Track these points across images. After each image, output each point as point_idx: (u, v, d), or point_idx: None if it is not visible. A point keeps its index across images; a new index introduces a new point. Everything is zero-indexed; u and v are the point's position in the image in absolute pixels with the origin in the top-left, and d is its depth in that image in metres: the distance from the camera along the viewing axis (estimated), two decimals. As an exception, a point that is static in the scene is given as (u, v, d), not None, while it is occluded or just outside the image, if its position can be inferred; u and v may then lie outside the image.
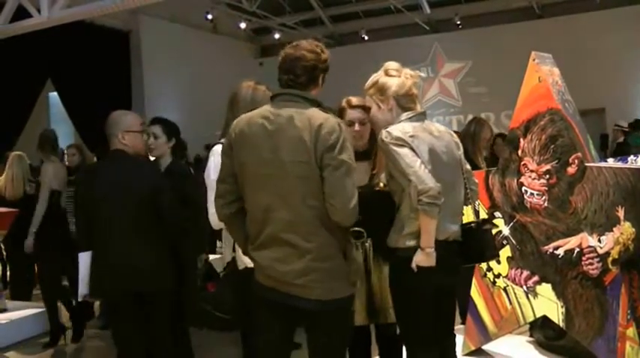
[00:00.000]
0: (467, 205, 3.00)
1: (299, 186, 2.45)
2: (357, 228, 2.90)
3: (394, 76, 2.86)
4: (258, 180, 2.50)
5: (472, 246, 2.86)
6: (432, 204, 2.56)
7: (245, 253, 2.73)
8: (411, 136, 2.71)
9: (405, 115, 2.81)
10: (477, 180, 3.10)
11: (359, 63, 14.89)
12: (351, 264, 2.57)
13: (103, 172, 3.54)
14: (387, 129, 2.73)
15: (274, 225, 2.48)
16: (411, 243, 2.69)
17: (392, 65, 2.91)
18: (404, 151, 2.66)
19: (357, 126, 3.11)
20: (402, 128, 2.73)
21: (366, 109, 3.07)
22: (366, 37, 15.49)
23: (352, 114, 3.13)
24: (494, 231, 3.75)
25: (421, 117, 2.85)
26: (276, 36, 15.55)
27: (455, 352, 3.04)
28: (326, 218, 2.46)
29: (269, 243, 2.51)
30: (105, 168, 3.58)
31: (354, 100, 3.16)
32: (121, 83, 12.56)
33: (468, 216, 3.05)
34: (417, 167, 2.62)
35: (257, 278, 2.60)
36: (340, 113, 3.12)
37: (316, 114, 2.47)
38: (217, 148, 3.00)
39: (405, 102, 2.84)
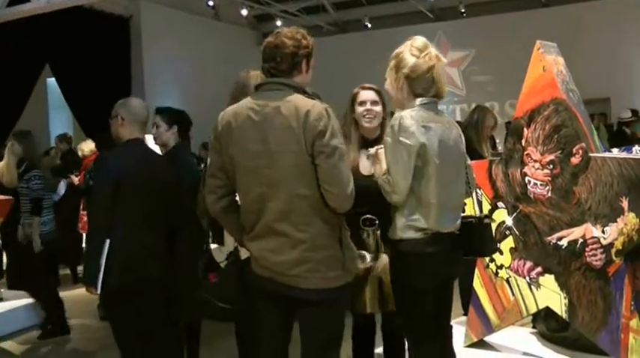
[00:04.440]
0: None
1: (290, 176, 2.41)
2: (369, 216, 2.88)
3: (414, 55, 2.72)
4: (249, 172, 2.46)
5: (472, 240, 2.82)
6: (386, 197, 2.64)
7: (241, 244, 2.70)
8: (424, 126, 2.63)
9: (419, 101, 2.71)
10: (474, 175, 3.06)
11: (362, 51, 15.01)
12: (347, 252, 2.53)
13: (122, 159, 3.41)
14: (401, 118, 2.63)
15: (268, 216, 2.45)
16: (413, 234, 2.65)
17: (417, 42, 2.77)
18: (403, 153, 2.60)
19: (368, 105, 3.13)
20: (416, 116, 2.65)
21: (379, 93, 3.13)
22: (370, 25, 15.34)
23: (364, 94, 3.17)
24: (495, 224, 3.73)
25: (433, 105, 2.75)
26: (278, 23, 15.39)
27: (451, 342, 2.99)
28: (320, 207, 2.43)
29: (263, 234, 2.48)
30: (127, 154, 3.43)
31: (367, 84, 3.23)
32: (120, 70, 12.43)
33: (470, 208, 3.01)
34: (401, 174, 2.60)
35: (254, 270, 2.57)
36: (353, 97, 3.17)
37: (302, 102, 2.43)
38: None
39: (417, 86, 2.71)
